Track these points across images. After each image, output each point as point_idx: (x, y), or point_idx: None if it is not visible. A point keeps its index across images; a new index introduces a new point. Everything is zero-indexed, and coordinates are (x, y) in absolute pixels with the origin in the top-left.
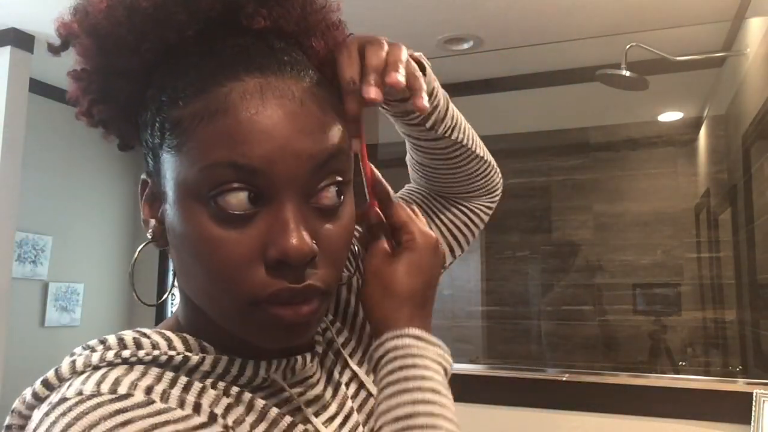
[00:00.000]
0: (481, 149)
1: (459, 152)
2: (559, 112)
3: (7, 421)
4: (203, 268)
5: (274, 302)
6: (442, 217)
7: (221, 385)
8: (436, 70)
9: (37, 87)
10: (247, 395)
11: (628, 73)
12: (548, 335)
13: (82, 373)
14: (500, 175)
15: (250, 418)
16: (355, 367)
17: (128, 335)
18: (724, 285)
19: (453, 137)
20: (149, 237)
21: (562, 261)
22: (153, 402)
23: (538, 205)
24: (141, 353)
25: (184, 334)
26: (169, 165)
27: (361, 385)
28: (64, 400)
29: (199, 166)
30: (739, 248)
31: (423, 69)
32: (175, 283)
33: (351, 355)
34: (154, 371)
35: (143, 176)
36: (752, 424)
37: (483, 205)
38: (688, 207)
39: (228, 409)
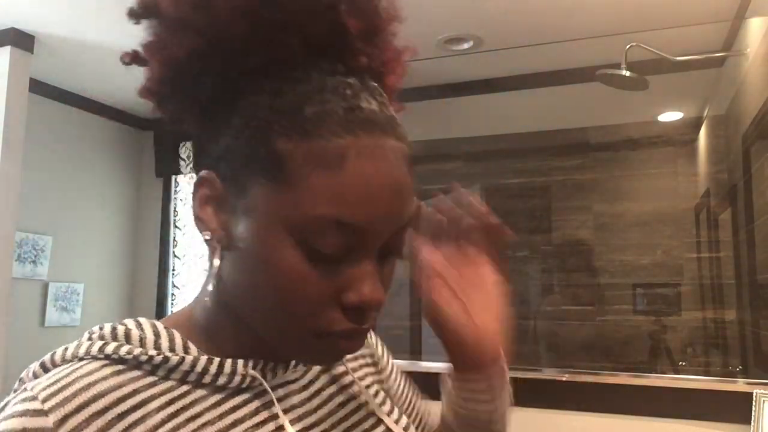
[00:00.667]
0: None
1: (499, 421)
2: (559, 112)
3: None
4: (277, 296)
5: (339, 336)
6: None
7: (196, 391)
8: (436, 70)
9: (37, 87)
10: (216, 397)
11: (628, 73)
12: (548, 335)
13: (65, 362)
14: None
15: (211, 419)
16: (362, 389)
17: (122, 327)
18: (724, 285)
19: (498, 408)
20: (206, 238)
21: (562, 261)
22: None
23: (538, 205)
24: (123, 350)
25: (174, 332)
26: (263, 191)
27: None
28: (15, 393)
29: (304, 214)
30: (739, 248)
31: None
32: (209, 286)
33: (362, 378)
34: (121, 377)
35: (205, 173)
36: (752, 424)
37: None
38: (688, 207)
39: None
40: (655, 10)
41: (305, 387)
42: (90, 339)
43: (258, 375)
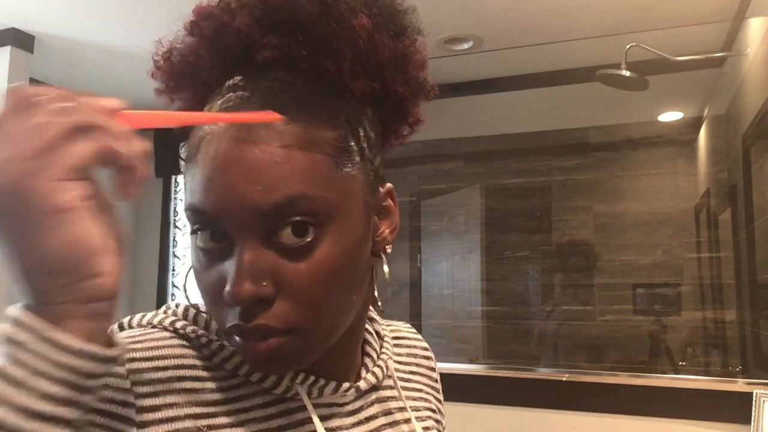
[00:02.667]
0: None
1: None
2: (559, 112)
3: None
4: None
5: (236, 335)
6: None
7: (244, 387)
8: (436, 70)
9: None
10: (262, 398)
11: (628, 73)
12: (548, 335)
13: (140, 327)
14: None
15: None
16: (417, 427)
17: (193, 310)
18: (724, 285)
19: None
20: None
21: (562, 261)
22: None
23: (538, 205)
24: (189, 329)
25: None
26: None
27: None
28: None
29: (184, 206)
30: (739, 248)
31: None
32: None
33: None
34: (186, 350)
35: None
36: (752, 424)
37: None
38: (688, 207)
39: (225, 403)
40: (655, 10)
41: (353, 412)
42: (165, 313)
43: (301, 390)
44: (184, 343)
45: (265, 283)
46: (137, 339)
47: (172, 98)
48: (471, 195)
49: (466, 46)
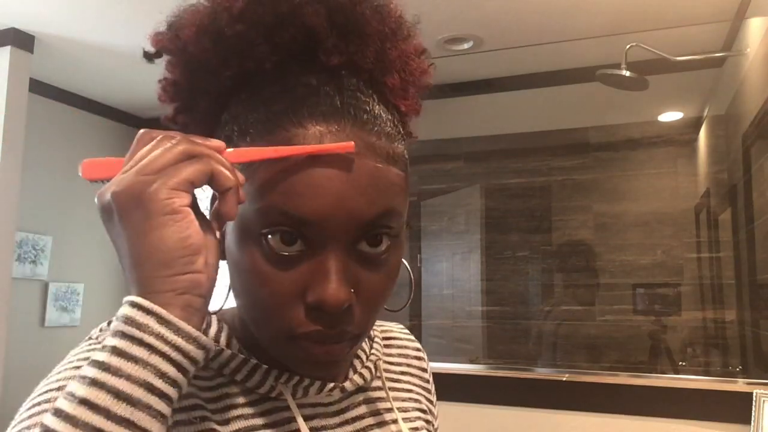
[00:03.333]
0: None
1: None
2: (559, 112)
3: None
4: (250, 297)
5: (308, 339)
6: None
7: (230, 386)
8: (436, 70)
9: (37, 87)
10: (248, 397)
11: (628, 73)
12: (548, 335)
13: None
14: None
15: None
16: (403, 427)
17: None
18: (724, 285)
19: None
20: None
21: (562, 261)
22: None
23: (538, 205)
24: None
25: (224, 325)
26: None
27: None
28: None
29: (256, 207)
30: (739, 248)
31: None
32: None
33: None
34: None
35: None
36: (752, 424)
37: None
38: (688, 207)
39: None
40: (655, 10)
41: (339, 412)
42: None
43: (285, 390)
44: None
45: (352, 290)
46: None
47: (213, 74)
48: (471, 195)
49: (466, 46)
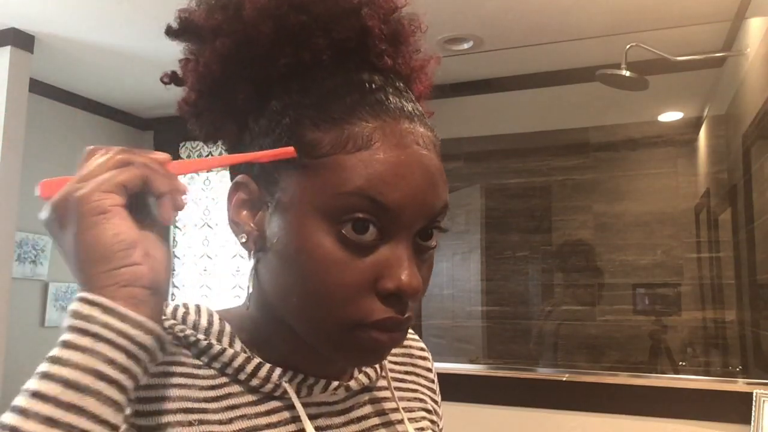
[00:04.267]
0: None
1: None
2: (559, 112)
3: None
4: (312, 285)
5: (377, 327)
6: None
7: (233, 385)
8: (436, 70)
9: (37, 87)
10: (251, 396)
11: (628, 73)
12: (548, 335)
13: None
14: None
15: (235, 420)
16: (408, 427)
17: (182, 309)
18: (724, 285)
19: None
20: (242, 240)
21: (562, 261)
22: None
23: (538, 205)
24: (177, 329)
25: (226, 324)
26: (295, 181)
27: None
28: None
29: (336, 192)
30: (739, 248)
31: None
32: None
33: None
34: (173, 349)
35: (240, 178)
36: (752, 424)
37: None
38: (688, 207)
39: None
40: (655, 10)
41: (344, 411)
42: None
43: (290, 388)
44: (174, 341)
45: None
46: None
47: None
48: (471, 195)
49: (466, 46)
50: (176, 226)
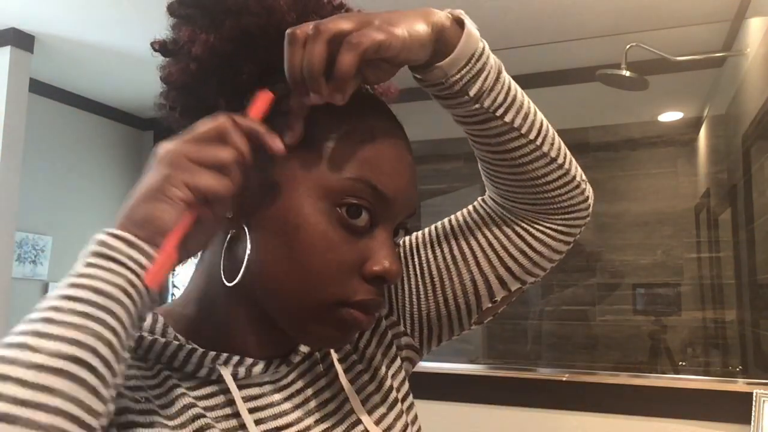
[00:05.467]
0: (555, 149)
1: (517, 143)
2: (559, 112)
3: None
4: (307, 261)
5: (358, 306)
6: (494, 241)
7: (171, 372)
8: None
9: (37, 87)
10: (180, 390)
11: (628, 73)
12: (548, 335)
13: None
14: (588, 192)
15: (166, 411)
16: (347, 388)
17: None
18: (724, 285)
19: (506, 119)
20: (227, 217)
21: (562, 261)
22: None
23: None
24: None
25: (159, 316)
26: (298, 160)
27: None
28: None
29: (345, 176)
30: (739, 248)
31: (462, 25)
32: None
33: (353, 382)
34: None
35: None
36: (752, 424)
37: (554, 228)
38: (688, 207)
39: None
40: (655, 10)
41: (285, 387)
42: None
43: (224, 370)
44: None
45: None
46: None
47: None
48: (471, 195)
49: None
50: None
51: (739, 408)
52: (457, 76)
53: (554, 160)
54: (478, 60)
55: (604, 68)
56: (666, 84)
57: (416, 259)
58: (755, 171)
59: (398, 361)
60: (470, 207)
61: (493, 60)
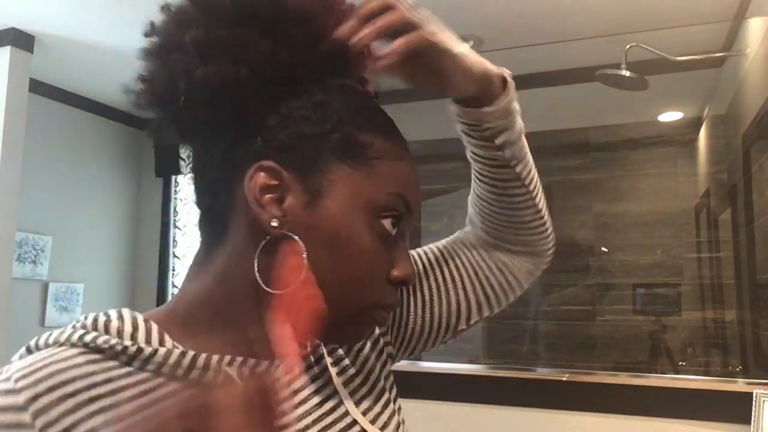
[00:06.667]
0: (541, 202)
1: (518, 191)
2: (559, 112)
3: None
4: (353, 269)
5: (386, 308)
6: (479, 270)
7: (171, 384)
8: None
9: (37, 87)
10: (190, 392)
11: (628, 73)
12: (548, 335)
13: (47, 347)
14: (553, 244)
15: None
16: (341, 390)
17: (104, 318)
18: (724, 285)
19: (517, 170)
20: (273, 225)
21: (562, 261)
22: (18, 410)
23: None
24: (100, 340)
25: (152, 324)
26: (346, 175)
27: (345, 413)
28: None
29: (387, 191)
30: (739, 248)
31: (505, 84)
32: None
33: (345, 384)
34: (95, 366)
35: (266, 163)
36: (752, 424)
37: (525, 268)
38: (688, 207)
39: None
40: (655, 10)
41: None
42: (73, 327)
43: (232, 372)
44: (95, 357)
45: None
46: (39, 367)
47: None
48: None
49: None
50: (176, 227)
51: (739, 408)
52: (492, 124)
53: (539, 211)
54: (511, 116)
55: (604, 68)
56: (666, 84)
57: None
58: (755, 171)
59: (388, 366)
60: (456, 236)
61: (520, 120)
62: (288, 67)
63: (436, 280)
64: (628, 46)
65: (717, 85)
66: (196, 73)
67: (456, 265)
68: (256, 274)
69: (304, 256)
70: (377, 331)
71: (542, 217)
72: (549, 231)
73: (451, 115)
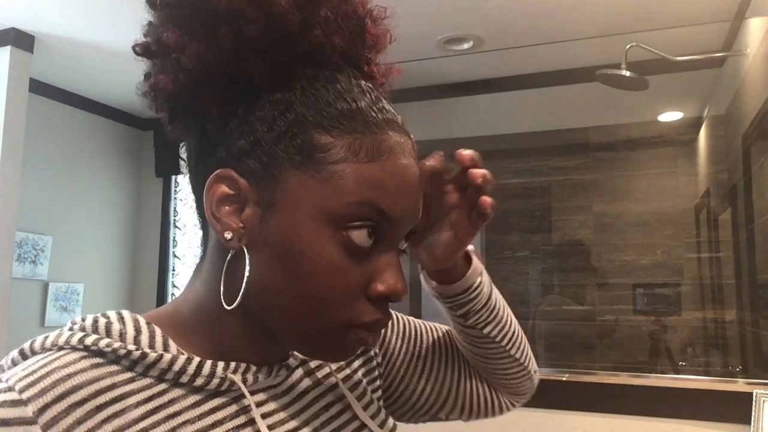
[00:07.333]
0: (520, 351)
1: (491, 347)
2: (559, 112)
3: None
4: (312, 287)
5: (366, 327)
6: (461, 387)
7: (174, 390)
8: (436, 70)
9: (37, 87)
10: (194, 398)
11: (628, 73)
12: (548, 335)
13: (45, 351)
14: (534, 383)
15: (187, 421)
16: (345, 392)
17: (104, 320)
18: (724, 285)
19: (485, 332)
20: (227, 237)
21: (562, 261)
22: (27, 423)
23: (538, 205)
24: (102, 343)
25: (155, 328)
26: (300, 183)
27: (346, 408)
28: None
29: (348, 200)
30: (739, 248)
31: (470, 261)
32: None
33: (345, 380)
34: (100, 370)
35: (223, 171)
36: (752, 424)
37: (505, 400)
38: (688, 207)
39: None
40: (655, 10)
41: (287, 391)
42: (71, 329)
43: (236, 379)
44: (98, 361)
45: None
46: (42, 374)
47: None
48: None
49: (466, 46)
50: (176, 227)
51: (739, 408)
52: (456, 299)
53: (517, 360)
54: (474, 291)
55: (604, 68)
56: (666, 84)
57: (418, 340)
58: (755, 171)
59: (378, 392)
60: (447, 337)
61: (486, 289)
62: (222, 67)
63: (435, 364)
64: (628, 46)
65: (717, 85)
66: (154, 80)
67: (447, 364)
68: (221, 286)
69: (247, 270)
70: (373, 351)
71: (521, 364)
72: (528, 373)
73: (420, 273)
